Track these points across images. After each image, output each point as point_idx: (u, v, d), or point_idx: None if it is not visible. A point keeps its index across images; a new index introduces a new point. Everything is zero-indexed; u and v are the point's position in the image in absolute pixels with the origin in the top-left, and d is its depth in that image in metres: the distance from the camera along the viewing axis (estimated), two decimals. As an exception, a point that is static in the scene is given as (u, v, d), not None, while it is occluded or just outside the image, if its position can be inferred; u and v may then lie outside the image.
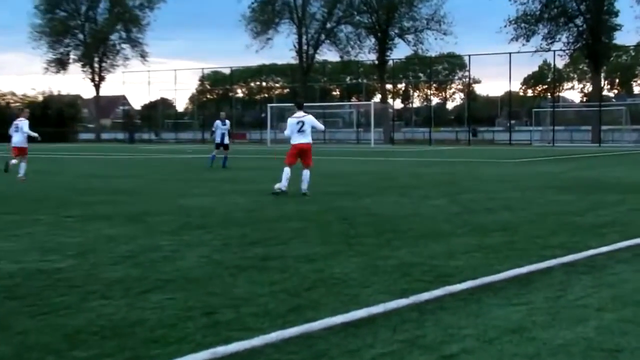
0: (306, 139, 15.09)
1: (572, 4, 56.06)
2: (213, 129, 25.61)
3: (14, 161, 19.22)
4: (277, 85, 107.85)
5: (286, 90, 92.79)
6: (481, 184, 16.94)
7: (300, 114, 15.24)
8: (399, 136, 65.66)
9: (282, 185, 14.63)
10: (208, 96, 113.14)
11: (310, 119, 15.28)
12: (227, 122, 26.22)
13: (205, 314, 5.44)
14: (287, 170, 14.81)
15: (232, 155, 33.61)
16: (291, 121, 15.21)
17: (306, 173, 14.86)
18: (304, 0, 64.01)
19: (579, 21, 56.02)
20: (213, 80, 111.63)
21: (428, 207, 12.19)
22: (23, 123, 19.40)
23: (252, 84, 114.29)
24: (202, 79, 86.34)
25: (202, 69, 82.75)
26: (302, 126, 15.04)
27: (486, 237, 8.95)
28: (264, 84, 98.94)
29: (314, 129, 15.35)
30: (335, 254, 7.84)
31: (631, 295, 5.98)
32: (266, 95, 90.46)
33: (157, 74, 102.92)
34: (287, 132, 15.36)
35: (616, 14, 56.02)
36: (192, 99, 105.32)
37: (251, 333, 4.92)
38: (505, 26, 56.69)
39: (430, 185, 16.85)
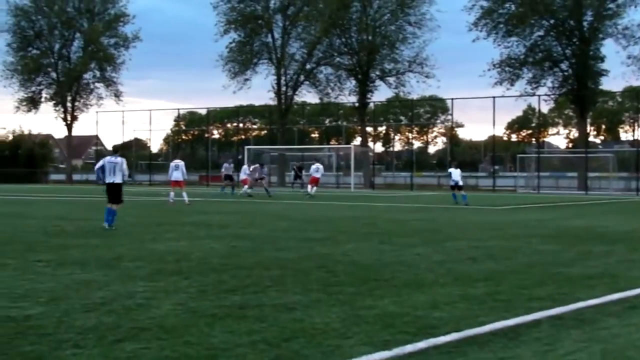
0: None
1: (557, 49, 56.22)
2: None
3: None
4: (254, 126, 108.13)
5: (263, 132, 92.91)
6: (464, 232, 16.80)
7: None
8: (380, 180, 65.62)
9: None
10: (183, 137, 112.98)
11: None
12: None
13: (181, 365, 5.25)
14: None
15: (207, 199, 33.50)
16: None
17: None
18: (283, 40, 64.08)
19: (564, 66, 56.13)
20: (189, 121, 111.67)
21: (411, 255, 12.02)
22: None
23: (229, 125, 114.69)
24: (178, 119, 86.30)
25: (178, 109, 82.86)
26: None
27: (470, 287, 8.79)
28: (240, 125, 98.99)
29: None
30: (315, 303, 7.66)
31: (622, 350, 5.82)
32: (243, 136, 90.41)
33: (131, 114, 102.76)
34: None
35: (602, 59, 56.01)
36: (166, 140, 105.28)
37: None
38: (489, 70, 56.67)
39: (412, 232, 16.70)
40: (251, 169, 39.61)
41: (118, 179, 17.38)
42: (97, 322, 6.64)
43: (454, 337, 6.16)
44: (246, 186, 37.15)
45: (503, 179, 64.22)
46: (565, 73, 56.20)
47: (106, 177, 17.39)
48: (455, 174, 30.44)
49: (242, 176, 37.87)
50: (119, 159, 17.47)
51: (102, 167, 17.43)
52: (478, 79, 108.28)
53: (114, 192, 17.29)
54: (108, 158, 17.59)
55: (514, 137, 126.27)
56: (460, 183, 30.49)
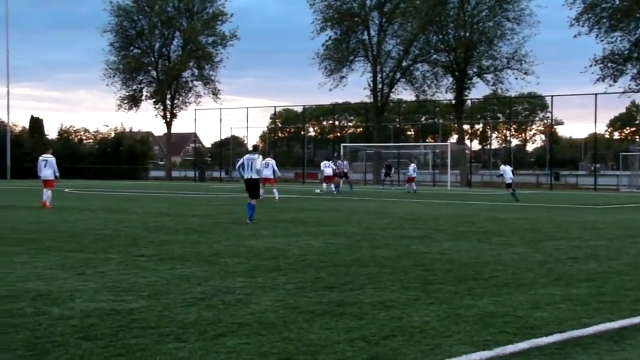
0: None
1: (664, 43, 54.33)
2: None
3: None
4: (350, 124, 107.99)
5: (359, 130, 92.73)
6: (565, 231, 16.41)
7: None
8: (477, 178, 64.66)
9: None
10: (279, 134, 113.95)
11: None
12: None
13: (280, 361, 5.30)
14: None
15: (303, 195, 33.66)
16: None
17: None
18: (379, 37, 63.84)
19: (671, 61, 54.18)
20: (285, 118, 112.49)
21: (509, 254, 11.82)
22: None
23: (325, 123, 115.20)
24: (274, 116, 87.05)
25: (274, 106, 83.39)
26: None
27: (572, 287, 8.59)
28: (336, 122, 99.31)
29: None
30: (413, 301, 7.62)
31: None
32: (339, 134, 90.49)
33: (229, 112, 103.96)
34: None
35: None
36: (263, 137, 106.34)
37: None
38: (590, 66, 54.85)
39: (510, 231, 16.41)
40: (341, 163, 39.41)
41: (255, 175, 18.43)
42: (198, 316, 6.77)
43: (556, 338, 6.06)
44: (333, 184, 36.87)
45: (605, 177, 62.28)
46: (672, 69, 54.07)
47: (245, 173, 18.50)
48: (508, 171, 32.31)
49: (328, 172, 37.27)
50: (254, 156, 18.53)
51: (242, 165, 18.54)
52: (578, 76, 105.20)
53: (252, 187, 18.40)
54: (247, 155, 18.73)
55: (616, 135, 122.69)
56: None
